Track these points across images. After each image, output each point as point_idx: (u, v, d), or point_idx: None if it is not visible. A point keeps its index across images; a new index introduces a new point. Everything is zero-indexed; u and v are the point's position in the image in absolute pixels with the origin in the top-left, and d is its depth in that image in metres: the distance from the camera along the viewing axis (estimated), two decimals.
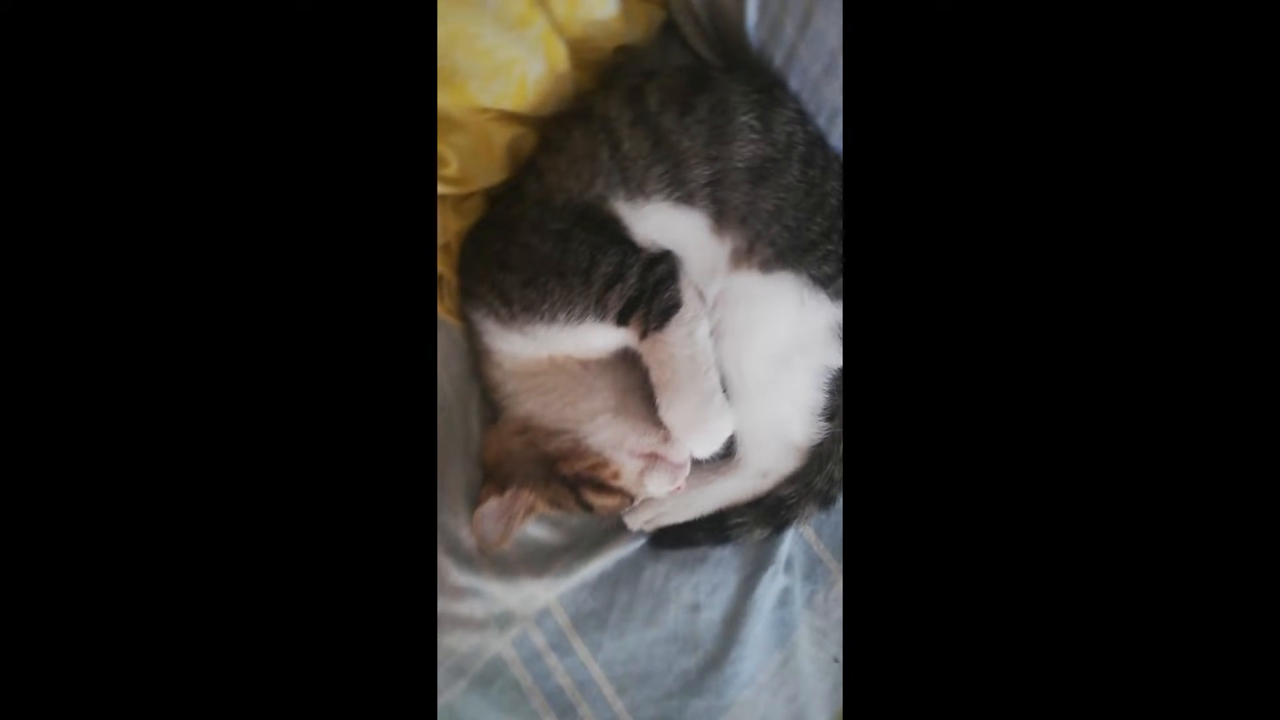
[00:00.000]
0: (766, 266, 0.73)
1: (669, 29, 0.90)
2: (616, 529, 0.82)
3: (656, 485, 0.73)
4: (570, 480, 0.72)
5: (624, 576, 0.82)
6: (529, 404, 0.74)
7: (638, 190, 0.72)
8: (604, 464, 0.72)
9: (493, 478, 0.76)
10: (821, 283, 0.73)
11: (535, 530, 0.82)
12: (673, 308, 0.70)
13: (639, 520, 0.81)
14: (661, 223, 0.72)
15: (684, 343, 0.69)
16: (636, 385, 0.74)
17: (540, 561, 0.81)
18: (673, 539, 0.82)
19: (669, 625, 0.80)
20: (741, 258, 0.73)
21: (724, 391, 0.72)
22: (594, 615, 0.80)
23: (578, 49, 0.80)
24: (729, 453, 0.78)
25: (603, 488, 0.72)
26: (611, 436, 0.72)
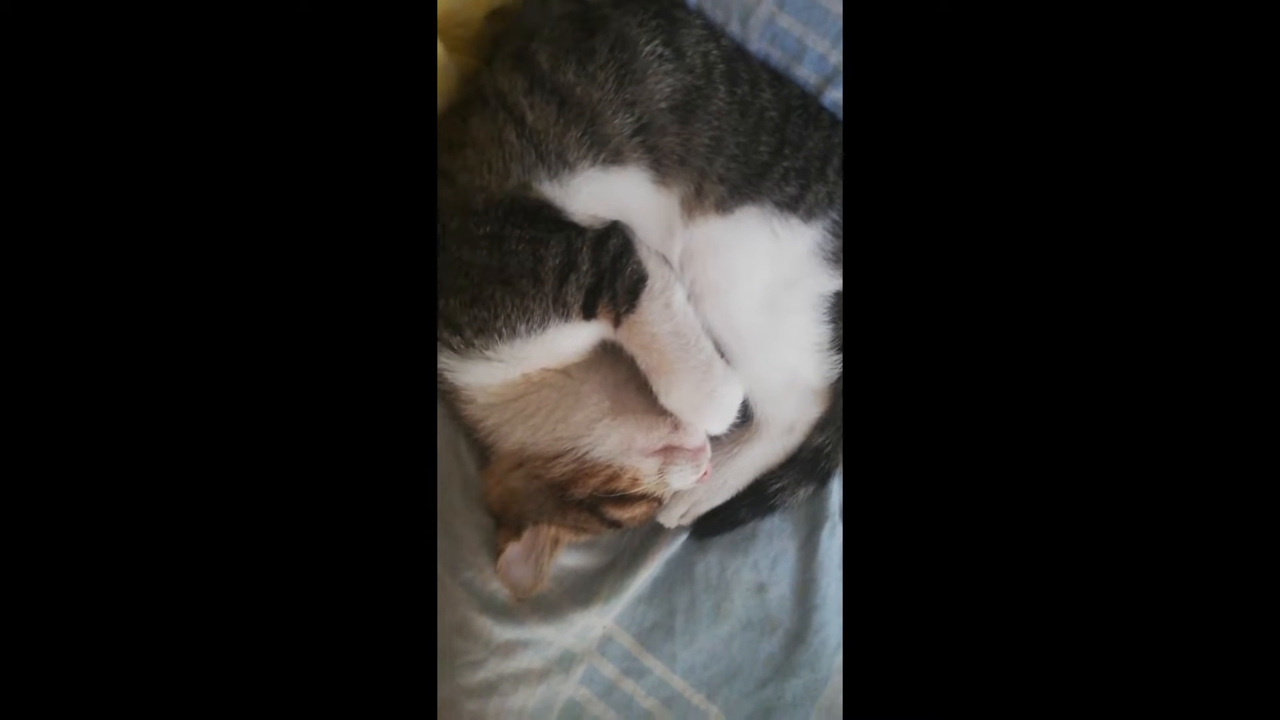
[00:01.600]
0: (724, 206, 0.67)
1: None
2: (654, 531, 0.78)
3: (681, 478, 0.68)
4: (588, 502, 0.67)
5: (677, 578, 0.78)
6: (517, 433, 0.68)
7: (559, 163, 0.65)
8: (618, 474, 0.66)
9: (504, 522, 0.71)
10: (788, 206, 0.68)
11: (568, 559, 0.78)
12: (639, 282, 0.64)
13: (674, 516, 0.77)
14: (596, 192, 0.66)
15: (662, 317, 0.64)
16: (627, 378, 0.68)
17: (584, 590, 0.77)
18: (716, 524, 0.78)
19: (739, 614, 0.77)
20: (694, 204, 0.68)
21: (721, 356, 0.67)
22: (658, 627, 0.77)
23: (447, 31, 0.74)
24: (747, 418, 0.74)
25: (625, 500, 0.67)
26: (617, 442, 0.66)
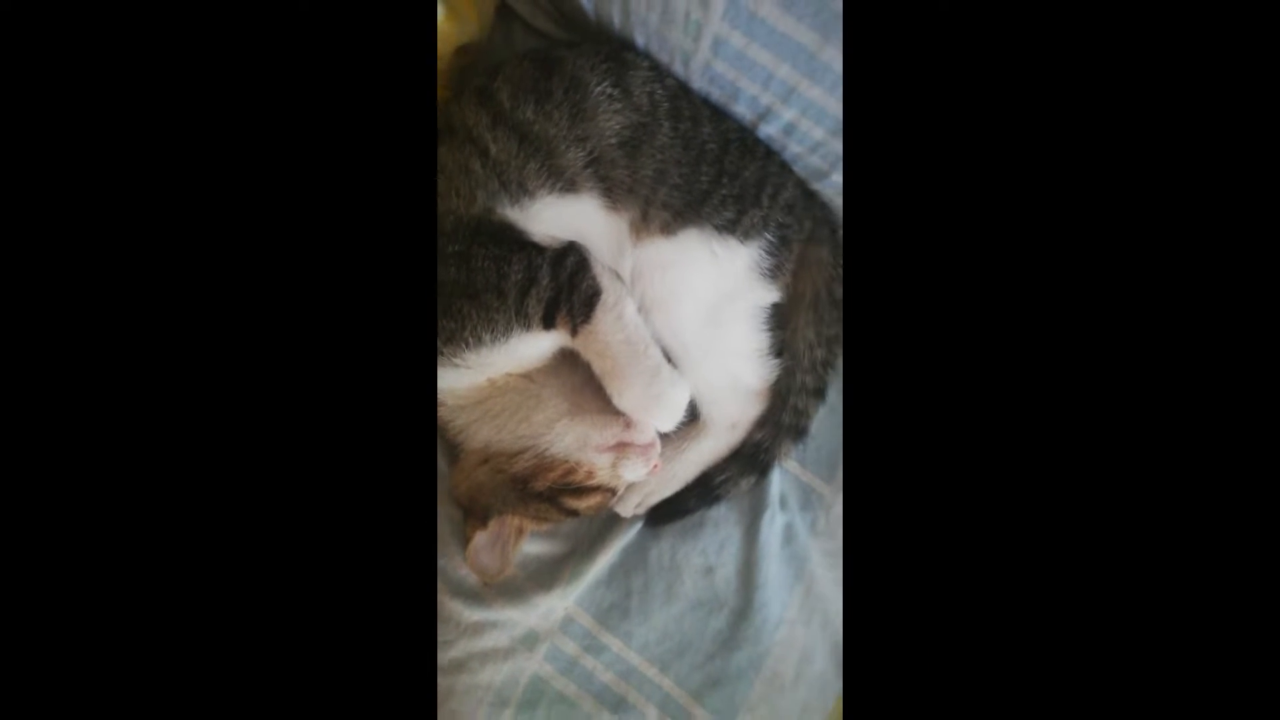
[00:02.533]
0: (668, 229, 0.71)
1: (504, 13, 0.87)
2: (611, 520, 0.82)
3: (633, 472, 0.72)
4: (546, 494, 0.70)
5: (633, 563, 0.82)
6: (483, 433, 0.72)
7: (520, 191, 0.69)
8: (574, 468, 0.70)
9: (472, 513, 0.74)
10: (727, 229, 0.71)
11: (532, 547, 0.81)
12: (593, 296, 0.68)
13: (629, 506, 0.81)
14: (554, 216, 0.70)
15: (615, 327, 0.68)
16: (584, 382, 0.72)
17: (547, 575, 0.81)
18: (667, 513, 0.82)
19: (689, 594, 0.81)
20: (641, 227, 0.71)
21: (669, 361, 0.70)
22: (615, 608, 0.81)
23: None
24: (693, 417, 0.78)
25: (581, 491, 0.70)
26: (574, 440, 0.70)
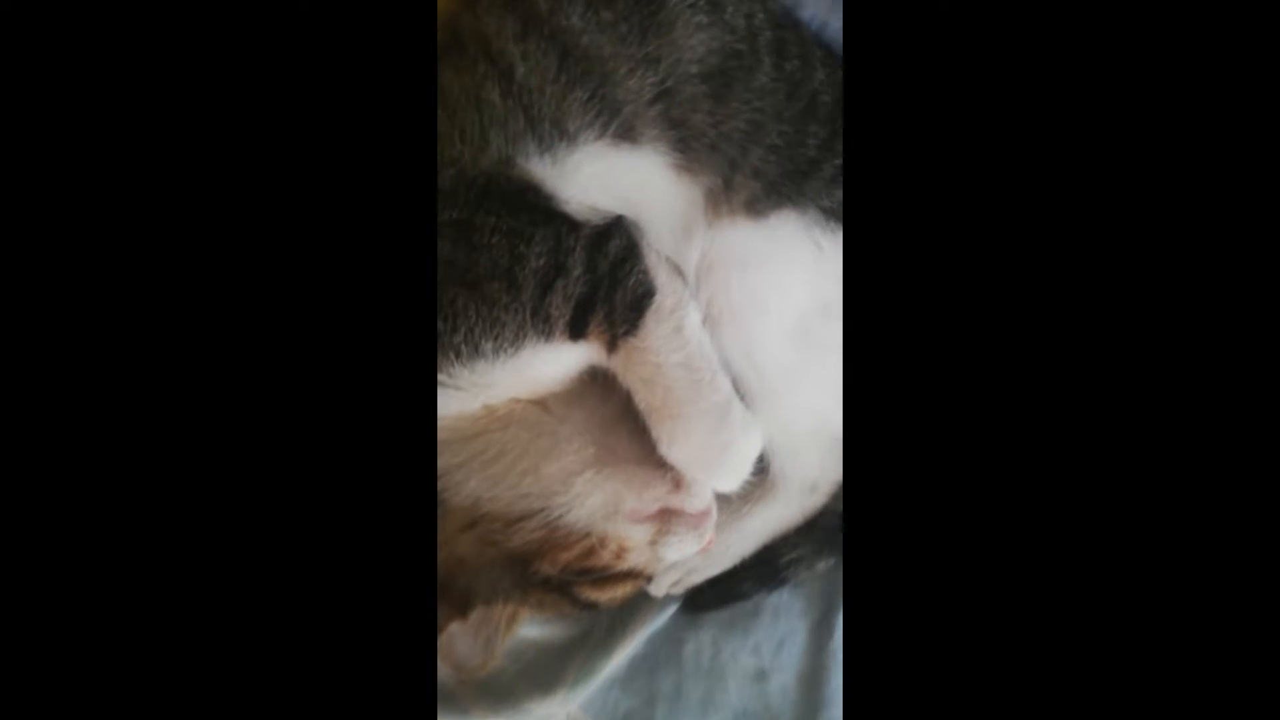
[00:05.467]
0: (756, 207, 0.59)
1: None
2: (636, 599, 0.69)
3: (678, 549, 0.58)
4: (556, 581, 0.57)
5: (661, 658, 0.70)
6: (471, 484, 0.57)
7: (555, 134, 0.56)
8: (598, 546, 0.56)
9: (447, 596, 0.60)
10: (837, 214, 0.60)
11: (529, 630, 0.70)
12: (644, 298, 0.55)
13: (664, 583, 0.69)
14: (600, 175, 0.57)
15: (671, 344, 0.55)
16: (618, 418, 0.59)
17: (546, 670, 0.70)
18: (714, 597, 0.71)
19: (734, 704, 0.69)
20: (720, 201, 0.58)
21: (739, 397, 0.58)
22: (634, 717, 0.69)
23: None
24: (761, 470, 0.66)
25: (606, 578, 0.57)
26: (600, 503, 0.56)
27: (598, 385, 0.59)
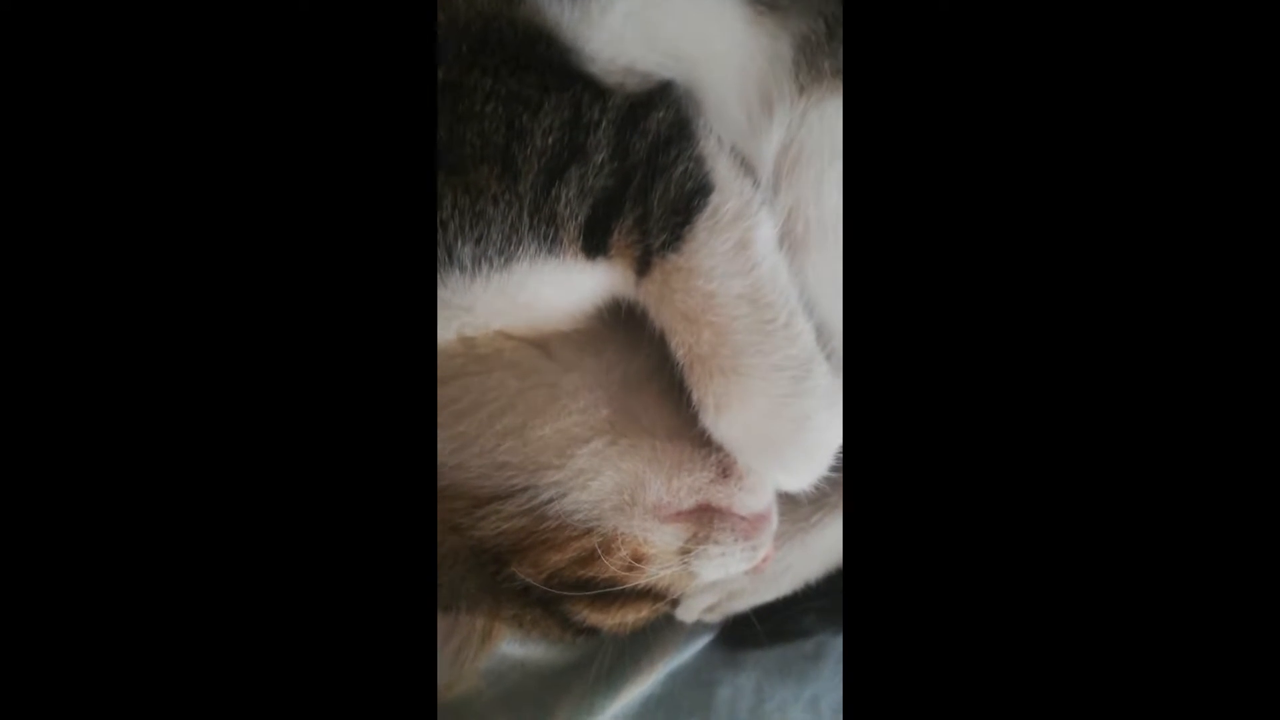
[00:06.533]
0: None
1: None
2: (658, 623, 0.59)
3: (720, 566, 0.46)
4: (540, 594, 0.44)
5: (685, 702, 0.63)
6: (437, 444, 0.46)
7: None
8: (602, 548, 0.43)
9: None
10: None
11: (515, 648, 0.62)
12: (694, 197, 0.44)
13: (696, 607, 0.60)
14: (642, 15, 0.47)
15: (730, 267, 0.44)
16: (647, 371, 0.47)
17: (534, 702, 0.62)
18: (761, 631, 0.63)
19: None
20: (820, 57, 0.47)
21: (824, 351, 0.47)
22: None
23: None
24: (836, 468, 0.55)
25: (613, 595, 0.44)
26: (612, 487, 0.44)
27: (620, 324, 0.48)
